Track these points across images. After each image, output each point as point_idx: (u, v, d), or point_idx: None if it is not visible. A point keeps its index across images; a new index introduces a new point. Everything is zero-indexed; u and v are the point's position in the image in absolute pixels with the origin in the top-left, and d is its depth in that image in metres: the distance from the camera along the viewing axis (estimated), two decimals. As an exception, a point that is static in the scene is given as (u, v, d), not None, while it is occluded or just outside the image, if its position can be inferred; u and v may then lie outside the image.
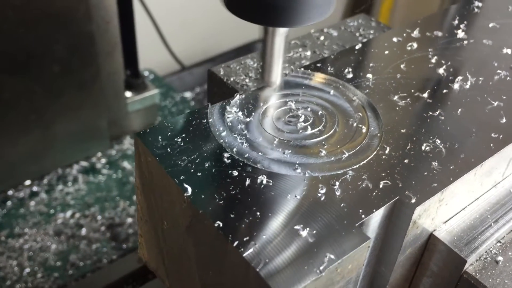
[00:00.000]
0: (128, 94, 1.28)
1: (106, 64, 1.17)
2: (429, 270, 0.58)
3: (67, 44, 1.04)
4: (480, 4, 0.81)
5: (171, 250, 0.58)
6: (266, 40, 0.59)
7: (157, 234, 0.59)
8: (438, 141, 0.58)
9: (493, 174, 0.60)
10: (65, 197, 1.15)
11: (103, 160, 1.25)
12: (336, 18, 1.99)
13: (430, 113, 0.61)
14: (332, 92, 0.64)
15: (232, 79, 0.68)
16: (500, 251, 0.58)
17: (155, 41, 1.56)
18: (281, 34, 0.58)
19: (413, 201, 0.51)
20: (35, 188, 1.16)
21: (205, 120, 0.58)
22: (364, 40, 0.76)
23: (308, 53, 0.74)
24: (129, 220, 1.11)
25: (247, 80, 0.68)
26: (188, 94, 1.57)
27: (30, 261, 1.02)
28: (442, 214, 0.56)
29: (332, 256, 0.45)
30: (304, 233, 0.47)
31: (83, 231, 1.08)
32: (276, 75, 0.61)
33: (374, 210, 0.50)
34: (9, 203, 1.12)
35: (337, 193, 0.51)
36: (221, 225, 0.47)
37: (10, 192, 1.14)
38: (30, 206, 1.12)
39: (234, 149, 0.55)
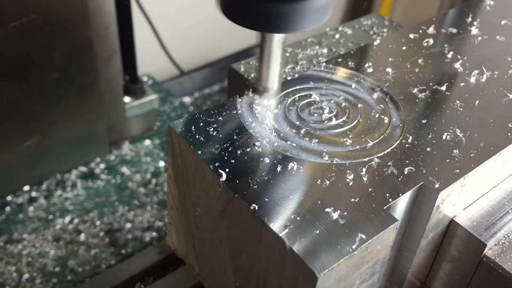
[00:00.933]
0: (126, 99, 1.31)
1: (105, 70, 1.19)
2: (449, 255, 0.64)
3: (66, 50, 1.06)
4: (491, 3, 0.88)
5: (203, 235, 0.63)
6: (263, 46, 0.63)
7: (188, 221, 0.64)
8: (458, 131, 0.63)
9: (509, 164, 0.65)
10: (64, 203, 1.17)
11: (102, 166, 1.27)
12: (335, 23, 2.05)
13: (449, 104, 0.67)
14: (353, 85, 0.70)
15: (252, 75, 0.74)
16: (518, 236, 0.63)
17: (153, 47, 1.58)
18: (277, 40, 0.62)
19: (437, 186, 0.56)
20: (33, 194, 1.18)
21: (235, 112, 0.64)
22: (378, 38, 0.82)
23: (325, 50, 0.80)
24: (128, 225, 1.13)
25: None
26: (187, 99, 1.60)
27: (28, 267, 1.04)
28: (462, 200, 0.61)
29: (363, 236, 0.50)
30: (335, 215, 0.52)
31: (82, 236, 1.10)
32: (273, 80, 0.65)
33: (401, 194, 0.55)
34: (7, 208, 1.14)
35: (364, 179, 0.57)
36: (256, 208, 0.52)
37: (8, 198, 1.16)
38: (29, 211, 1.14)
39: (264, 138, 0.61)
